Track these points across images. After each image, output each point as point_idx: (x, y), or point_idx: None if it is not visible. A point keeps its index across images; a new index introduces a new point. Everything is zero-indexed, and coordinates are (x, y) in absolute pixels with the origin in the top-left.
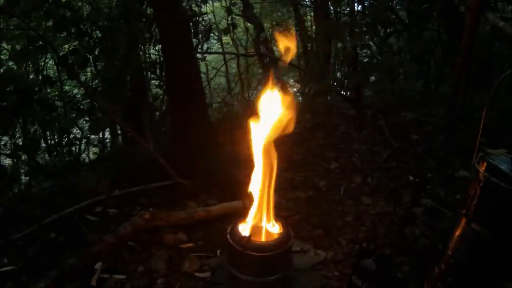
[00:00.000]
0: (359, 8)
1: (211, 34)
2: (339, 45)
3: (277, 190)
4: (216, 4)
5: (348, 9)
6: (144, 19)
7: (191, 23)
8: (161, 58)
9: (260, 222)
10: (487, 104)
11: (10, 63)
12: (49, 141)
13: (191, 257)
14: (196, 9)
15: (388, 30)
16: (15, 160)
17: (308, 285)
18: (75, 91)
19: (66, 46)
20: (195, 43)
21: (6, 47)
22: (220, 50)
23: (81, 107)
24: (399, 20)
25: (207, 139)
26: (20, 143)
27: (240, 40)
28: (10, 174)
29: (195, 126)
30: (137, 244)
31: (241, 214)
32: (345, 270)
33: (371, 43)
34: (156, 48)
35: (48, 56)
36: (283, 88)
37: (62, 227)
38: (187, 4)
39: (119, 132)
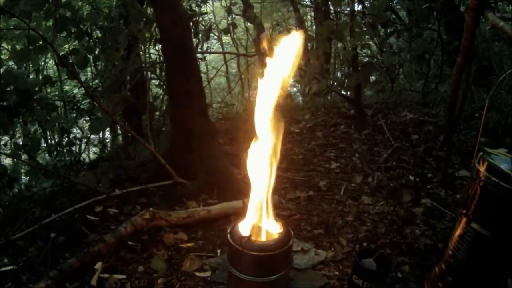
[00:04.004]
0: (359, 8)
1: (211, 34)
2: (339, 45)
3: (278, 190)
4: (216, 4)
5: (348, 9)
6: (144, 19)
7: (191, 23)
8: (161, 58)
9: (260, 222)
10: (487, 104)
11: (10, 63)
12: (49, 141)
13: (192, 256)
14: (196, 9)
15: (388, 30)
16: (15, 160)
17: (308, 285)
18: (75, 91)
19: (66, 46)
20: (195, 43)
21: (6, 47)
22: (220, 50)
23: (81, 107)
24: (399, 20)
25: (207, 139)
26: (20, 143)
27: (240, 40)
28: (10, 174)
29: (195, 126)
30: (137, 244)
31: (241, 214)
32: (346, 269)
33: (371, 43)
34: (156, 48)
35: (48, 56)
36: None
37: (62, 227)
38: (187, 4)
39: (119, 132)
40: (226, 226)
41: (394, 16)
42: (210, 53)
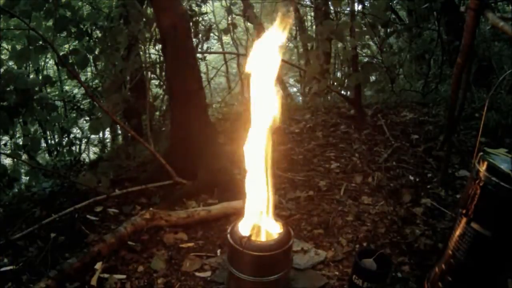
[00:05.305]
0: (359, 8)
1: (211, 34)
2: (339, 45)
3: (278, 190)
4: (216, 4)
5: (348, 9)
6: (144, 19)
7: (191, 23)
8: (161, 58)
9: (260, 222)
10: (487, 104)
11: (10, 63)
12: (49, 141)
13: (191, 256)
14: (196, 9)
15: (388, 30)
16: (15, 160)
17: (308, 284)
18: (75, 91)
19: (66, 46)
20: (195, 43)
21: (6, 47)
22: (220, 50)
23: (81, 107)
24: (399, 20)
25: (207, 139)
26: (20, 143)
27: (240, 40)
28: (10, 174)
29: (195, 126)
30: (137, 244)
31: (241, 214)
32: (346, 269)
33: (371, 43)
34: (156, 48)
35: (48, 56)
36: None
37: (62, 227)
38: (187, 4)
39: (119, 132)
40: (226, 226)
41: (394, 16)
42: (210, 53)
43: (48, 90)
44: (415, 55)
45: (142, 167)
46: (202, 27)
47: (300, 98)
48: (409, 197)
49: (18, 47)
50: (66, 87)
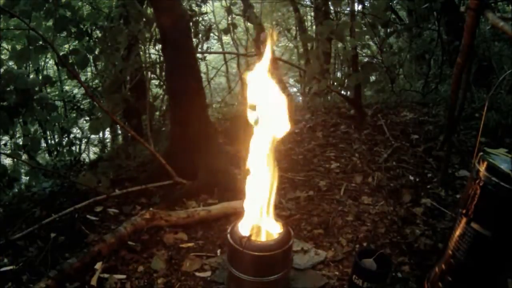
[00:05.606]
0: (359, 8)
1: (211, 34)
2: (339, 45)
3: (278, 190)
4: (216, 4)
5: (348, 9)
6: (144, 19)
7: (191, 23)
8: (161, 58)
9: (260, 222)
10: (487, 104)
11: (10, 63)
12: (49, 141)
13: (192, 256)
14: (196, 9)
15: (388, 30)
16: (15, 160)
17: (308, 284)
18: (75, 91)
19: (66, 46)
20: (195, 43)
21: (6, 47)
22: (220, 50)
23: (81, 107)
24: (399, 20)
25: (207, 139)
26: (20, 143)
27: (240, 40)
28: (10, 174)
29: (195, 126)
30: (137, 244)
31: (242, 214)
32: (346, 269)
33: (371, 43)
34: (156, 48)
35: (48, 56)
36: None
37: (62, 227)
38: (187, 4)
39: (119, 132)
40: (226, 226)
41: (394, 16)
42: (210, 53)
43: (48, 90)
44: (415, 55)
45: (142, 167)
46: (202, 27)
47: (300, 98)
48: (409, 197)
49: (18, 47)
50: (66, 87)
